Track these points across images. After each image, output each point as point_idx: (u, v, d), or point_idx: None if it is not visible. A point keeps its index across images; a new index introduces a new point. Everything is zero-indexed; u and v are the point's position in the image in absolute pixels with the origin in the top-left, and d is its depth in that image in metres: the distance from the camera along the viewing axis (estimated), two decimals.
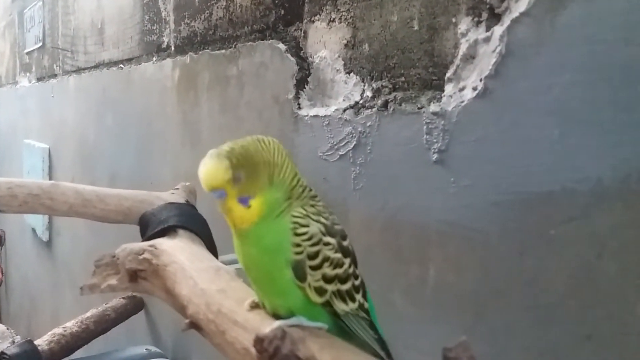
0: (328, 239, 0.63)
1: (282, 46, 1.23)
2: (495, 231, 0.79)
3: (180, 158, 1.70)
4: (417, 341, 0.90)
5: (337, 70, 1.09)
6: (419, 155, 0.89)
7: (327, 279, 0.63)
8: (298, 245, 0.61)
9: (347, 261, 0.64)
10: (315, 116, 1.12)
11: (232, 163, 0.59)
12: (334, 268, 0.63)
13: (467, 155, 0.82)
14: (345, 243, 0.65)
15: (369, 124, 0.99)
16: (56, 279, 2.93)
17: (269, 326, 0.62)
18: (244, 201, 0.60)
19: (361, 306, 0.66)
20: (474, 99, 0.81)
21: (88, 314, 1.75)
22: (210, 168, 0.59)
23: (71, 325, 1.68)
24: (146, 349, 1.74)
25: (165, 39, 1.78)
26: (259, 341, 0.58)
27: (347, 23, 1.07)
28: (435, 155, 0.87)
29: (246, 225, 0.61)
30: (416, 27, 0.92)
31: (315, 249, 0.62)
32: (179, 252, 0.86)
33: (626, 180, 0.65)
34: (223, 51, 1.45)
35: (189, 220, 0.93)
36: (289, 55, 1.21)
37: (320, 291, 0.63)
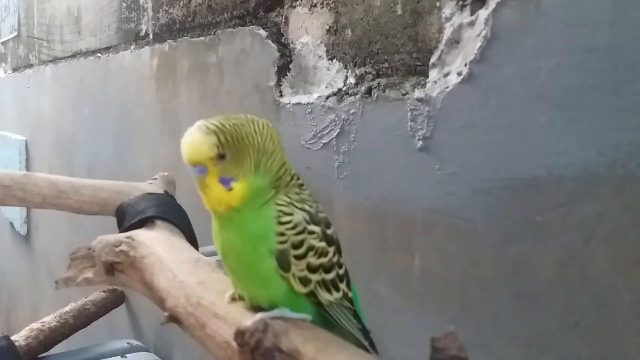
0: (312, 227, 0.61)
1: (262, 32, 1.20)
2: (481, 218, 0.78)
3: (159, 148, 1.67)
4: (402, 331, 0.89)
5: (320, 56, 1.07)
6: (403, 142, 0.88)
7: (312, 269, 0.61)
8: (282, 234, 0.59)
9: (331, 250, 0.62)
10: (298, 104, 1.10)
11: (219, 140, 0.56)
12: (319, 257, 0.61)
13: (452, 141, 0.81)
14: (329, 231, 0.63)
15: (352, 111, 0.97)
16: (35, 273, 2.88)
17: (250, 319, 0.60)
18: (225, 182, 0.57)
19: (345, 295, 0.64)
20: (459, 84, 0.79)
21: (67, 308, 1.71)
22: (195, 140, 0.56)
23: (50, 319, 1.64)
24: (127, 343, 1.70)
25: (144, 27, 1.74)
26: (239, 334, 0.56)
27: (329, 8, 1.04)
28: (420, 143, 0.85)
29: (223, 207, 0.58)
30: (399, 12, 0.90)
31: (300, 237, 0.59)
32: (157, 243, 0.83)
33: (614, 166, 0.64)
34: (202, 38, 1.42)
35: (168, 211, 0.91)
36: (269, 41, 1.18)
37: (304, 281, 0.61)
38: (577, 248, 0.68)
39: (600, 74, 0.65)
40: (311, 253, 0.60)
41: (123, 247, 0.85)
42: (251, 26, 1.23)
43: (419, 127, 0.85)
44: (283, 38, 1.17)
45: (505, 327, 0.76)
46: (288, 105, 1.12)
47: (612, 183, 0.64)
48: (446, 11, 0.82)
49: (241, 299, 0.65)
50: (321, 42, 1.06)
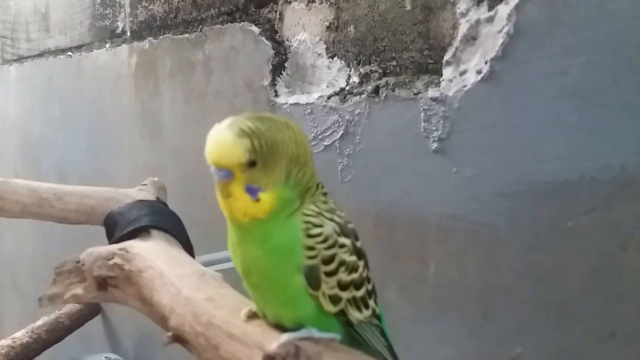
0: (343, 239, 0.55)
1: (255, 29, 1.14)
2: (504, 224, 0.74)
3: (139, 152, 1.58)
4: (414, 344, 0.84)
5: (319, 54, 1.02)
6: (416, 144, 0.83)
7: (342, 286, 0.55)
8: (311, 248, 0.53)
9: (361, 264, 0.57)
10: (296, 104, 1.04)
11: (253, 145, 0.49)
12: (350, 273, 0.55)
13: (471, 143, 0.77)
14: (358, 244, 0.57)
15: (357, 111, 0.92)
16: None
17: (275, 340, 0.54)
18: (252, 192, 0.51)
19: (374, 312, 0.59)
20: (479, 82, 0.75)
21: (39, 322, 1.61)
22: (226, 142, 0.49)
23: (21, 335, 1.53)
24: (105, 357, 1.62)
25: (120, 24, 1.65)
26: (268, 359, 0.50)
27: (329, 4, 0.99)
28: (435, 144, 0.81)
29: (247, 219, 0.52)
30: (409, 7, 0.86)
31: (331, 252, 0.54)
32: (155, 255, 0.76)
33: None
34: (187, 35, 1.35)
35: (163, 220, 0.84)
36: (263, 38, 1.12)
37: (334, 300, 0.55)
38: (612, 254, 0.64)
39: (635, 71, 0.62)
40: (342, 269, 0.55)
41: (117, 260, 0.77)
42: (242, 22, 1.17)
43: (434, 127, 0.81)
44: (277, 35, 1.11)
45: (531, 338, 0.72)
46: (285, 106, 1.07)
47: None
48: (461, 7, 0.78)
49: (264, 316, 0.59)
50: (320, 39, 1.01)
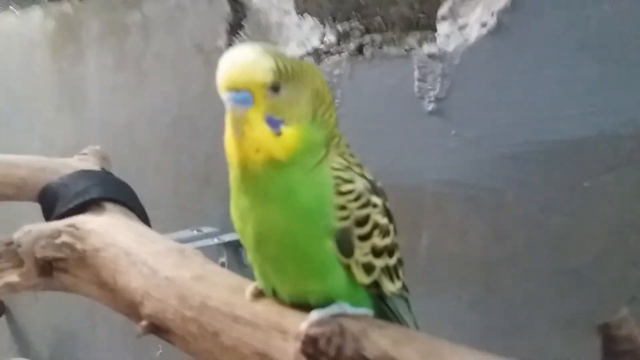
0: (375, 199, 0.47)
1: None
2: (511, 188, 0.69)
3: (56, 127, 1.39)
4: None
5: (286, 11, 0.92)
6: (408, 105, 0.76)
7: (377, 252, 0.47)
8: (343, 207, 0.44)
9: (391, 228, 0.49)
10: None
11: (278, 67, 0.41)
12: (383, 237, 0.47)
13: (474, 102, 0.71)
14: (388, 205, 0.49)
15: (336, 72, 0.84)
16: None
17: (300, 320, 0.44)
18: (273, 123, 0.42)
19: (404, 285, 0.51)
20: (484, 36, 0.70)
21: None
22: (248, 58, 0.41)
23: None
24: None
25: None
26: (310, 342, 0.40)
27: None
28: (431, 105, 0.74)
29: (262, 156, 0.42)
30: None
31: (364, 212, 0.45)
32: (115, 231, 0.63)
33: None
34: None
35: (117, 191, 0.70)
36: None
37: (368, 268, 0.46)
38: (636, 214, 0.61)
39: None
40: (376, 232, 0.46)
41: (65, 239, 0.63)
42: None
43: (430, 87, 0.74)
44: None
45: (541, 309, 0.68)
46: None
47: None
48: None
49: (274, 294, 0.49)
50: None
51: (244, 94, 0.41)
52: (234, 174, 0.45)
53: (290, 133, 0.42)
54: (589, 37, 0.62)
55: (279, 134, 0.42)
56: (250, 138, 0.42)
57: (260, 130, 0.41)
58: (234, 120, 0.41)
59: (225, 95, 0.41)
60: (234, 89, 0.41)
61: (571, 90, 0.64)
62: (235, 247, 0.91)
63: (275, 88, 0.41)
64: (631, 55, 0.60)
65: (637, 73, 0.60)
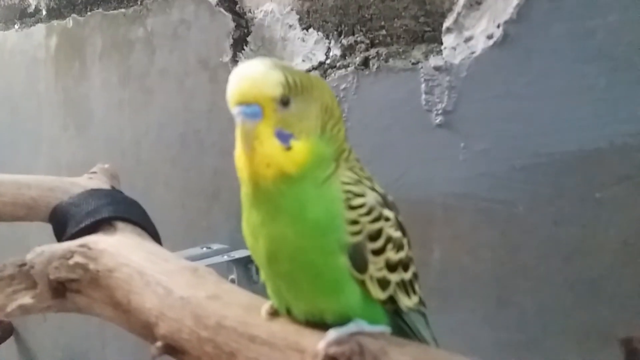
0: (387, 212, 0.47)
1: None
2: (522, 200, 0.69)
3: (62, 145, 1.39)
4: None
5: (291, 26, 0.92)
6: (416, 118, 0.76)
7: (391, 266, 0.47)
8: (355, 222, 0.44)
9: (405, 242, 0.49)
10: None
11: (287, 81, 0.41)
12: (397, 251, 0.47)
13: (482, 114, 0.71)
14: (400, 218, 0.49)
15: (343, 86, 0.84)
16: None
17: (318, 339, 0.44)
18: (283, 137, 0.42)
19: (421, 299, 0.51)
20: (490, 48, 0.70)
21: None
22: (258, 71, 0.41)
23: None
24: None
25: (33, 2, 1.45)
26: None
27: None
28: (439, 118, 0.74)
29: (272, 172, 0.42)
30: None
31: (377, 226, 0.45)
32: (128, 251, 0.63)
33: None
34: (123, 10, 1.19)
35: (129, 210, 0.70)
36: (221, 9, 1.00)
37: (383, 284, 0.46)
38: None
39: None
40: (390, 246, 0.46)
41: (78, 259, 0.63)
42: None
43: (437, 99, 0.74)
44: (237, 6, 1.00)
45: (555, 321, 0.67)
46: None
47: None
48: None
49: (288, 313, 0.49)
50: (292, 9, 0.92)
51: (253, 108, 0.41)
52: (245, 189, 0.45)
53: (300, 147, 0.42)
54: (595, 47, 0.63)
55: (289, 148, 0.42)
56: (260, 153, 0.41)
57: (270, 145, 0.41)
58: (244, 135, 0.41)
59: (235, 110, 0.41)
60: (244, 103, 0.41)
61: (579, 101, 0.64)
62: (245, 264, 0.91)
63: (284, 102, 0.42)
64: (637, 65, 0.61)
65: None
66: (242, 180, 0.44)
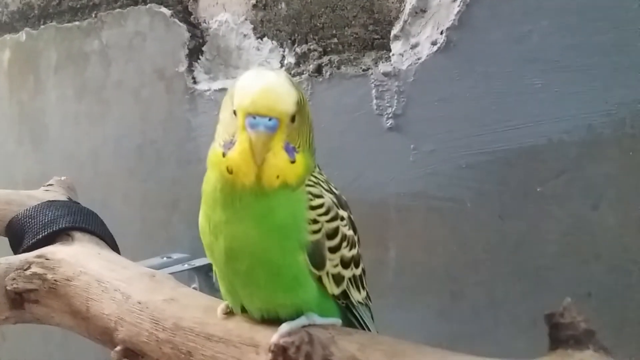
0: (342, 212, 0.49)
1: (166, 11, 1.03)
2: (470, 196, 0.72)
3: (17, 160, 1.37)
4: (380, 331, 0.79)
5: (245, 35, 0.94)
6: (368, 122, 0.79)
7: (345, 263, 0.49)
8: (314, 221, 0.46)
9: (356, 239, 0.51)
10: (222, 90, 0.95)
11: (298, 98, 0.43)
12: (350, 249, 0.49)
13: (430, 117, 0.74)
14: (352, 217, 0.52)
15: None
16: None
17: (272, 334, 0.46)
18: (290, 151, 0.43)
19: (367, 293, 0.54)
20: (434, 54, 0.73)
21: None
22: (283, 87, 0.42)
23: None
24: None
25: None
26: (279, 351, 0.42)
27: None
28: (390, 121, 0.77)
29: (278, 183, 0.43)
30: None
31: (334, 225, 0.47)
32: (86, 259, 0.63)
33: (621, 125, 0.62)
34: (77, 23, 1.19)
35: (86, 220, 0.70)
36: (176, 20, 1.01)
37: (338, 279, 0.49)
38: (584, 215, 0.65)
39: (600, 33, 0.63)
40: (344, 244, 0.49)
41: (35, 269, 0.63)
42: (149, 5, 1.06)
43: (387, 104, 0.77)
44: (192, 17, 1.01)
45: (506, 311, 0.71)
46: (208, 92, 0.97)
47: (619, 143, 0.63)
48: None
49: (244, 312, 0.50)
50: (246, 19, 0.94)
51: (274, 122, 0.42)
52: (218, 187, 0.45)
53: (300, 160, 0.45)
54: (531, 50, 0.67)
55: (293, 161, 0.44)
56: (273, 165, 0.43)
57: (281, 158, 0.43)
58: (259, 146, 0.42)
59: (251, 119, 0.41)
60: (266, 115, 0.42)
61: (518, 102, 0.68)
62: (206, 272, 0.91)
63: (293, 118, 0.44)
64: (570, 66, 0.65)
65: (577, 83, 0.64)
66: (225, 179, 0.44)
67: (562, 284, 0.66)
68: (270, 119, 0.41)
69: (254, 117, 0.41)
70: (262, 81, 0.42)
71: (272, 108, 0.42)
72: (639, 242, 0.62)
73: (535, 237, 0.68)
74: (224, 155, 0.43)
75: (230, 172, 0.43)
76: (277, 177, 0.43)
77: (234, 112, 0.43)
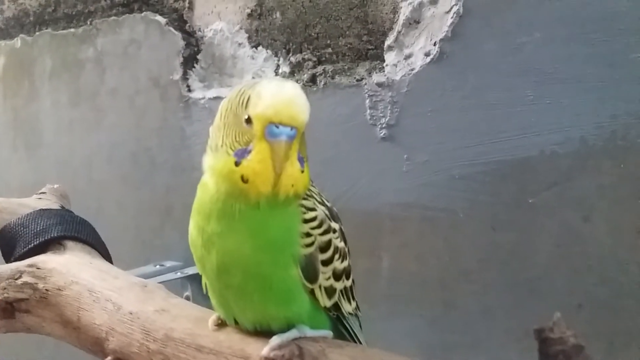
0: (333, 224, 0.49)
1: (161, 19, 1.03)
2: (462, 207, 0.72)
3: (11, 167, 1.36)
4: (372, 341, 0.79)
5: (240, 44, 0.94)
6: (362, 132, 0.79)
7: (337, 275, 0.49)
8: (307, 234, 0.46)
9: (347, 251, 0.51)
10: (217, 98, 0.95)
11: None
12: (342, 261, 0.50)
13: (423, 127, 0.75)
14: (343, 228, 0.52)
15: None
16: None
17: (263, 346, 0.46)
18: (301, 161, 0.44)
19: (357, 304, 0.54)
20: (428, 65, 0.74)
21: None
22: (302, 98, 0.43)
23: None
24: None
25: None
26: None
27: None
28: (383, 131, 0.77)
29: (294, 191, 0.44)
30: None
31: (327, 237, 0.47)
32: (78, 269, 0.63)
33: (612, 138, 0.63)
34: (72, 30, 1.19)
35: (78, 229, 0.70)
36: (171, 28, 1.02)
37: (330, 292, 0.49)
38: (576, 226, 0.65)
39: (592, 45, 0.63)
40: (337, 256, 0.49)
41: (27, 279, 0.63)
42: (144, 13, 1.06)
43: (381, 114, 0.77)
44: (187, 25, 1.02)
45: (498, 321, 0.71)
46: (202, 100, 0.97)
47: (611, 155, 0.63)
48: None
49: (236, 323, 0.50)
50: (241, 28, 0.94)
51: (294, 132, 0.42)
52: (219, 196, 0.45)
53: (306, 170, 0.46)
54: (523, 62, 0.67)
55: (303, 170, 0.45)
56: (290, 174, 0.43)
57: (296, 167, 0.44)
58: (283, 154, 0.42)
59: (273, 128, 0.41)
60: (288, 125, 0.42)
61: (510, 113, 0.68)
62: (199, 280, 0.91)
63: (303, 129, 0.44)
64: (563, 78, 0.65)
65: (569, 94, 0.65)
66: (236, 188, 0.43)
67: (554, 295, 0.67)
68: (292, 129, 0.42)
69: (277, 127, 0.41)
70: (285, 91, 0.42)
71: (294, 118, 0.42)
72: (630, 254, 0.62)
73: (527, 248, 0.68)
74: (236, 164, 0.42)
75: (245, 181, 0.42)
76: (292, 185, 0.43)
77: (246, 120, 0.42)
